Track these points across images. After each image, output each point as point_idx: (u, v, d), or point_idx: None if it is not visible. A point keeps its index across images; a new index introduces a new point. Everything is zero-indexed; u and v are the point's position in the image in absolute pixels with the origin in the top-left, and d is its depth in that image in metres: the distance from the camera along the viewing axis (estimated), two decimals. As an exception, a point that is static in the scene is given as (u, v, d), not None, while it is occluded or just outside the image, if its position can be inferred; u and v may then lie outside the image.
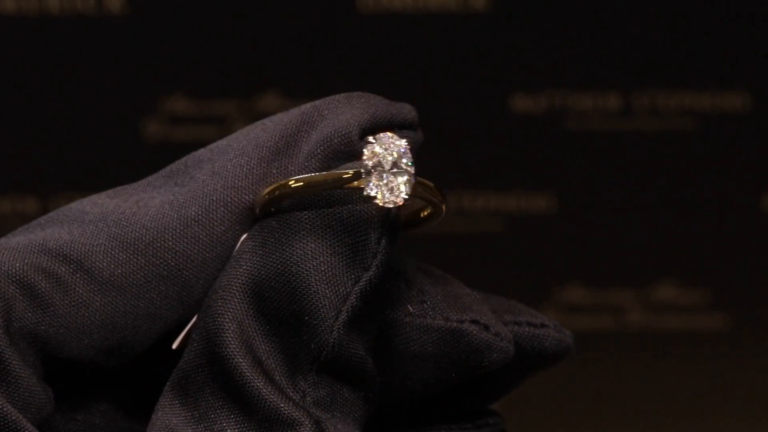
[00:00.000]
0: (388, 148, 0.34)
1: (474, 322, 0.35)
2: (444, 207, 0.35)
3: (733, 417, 1.02)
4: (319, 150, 0.36)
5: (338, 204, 0.34)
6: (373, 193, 0.34)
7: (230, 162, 0.36)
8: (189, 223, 0.35)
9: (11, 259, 0.35)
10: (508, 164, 1.02)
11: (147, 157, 1.01)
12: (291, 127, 0.36)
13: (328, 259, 0.34)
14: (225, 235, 0.35)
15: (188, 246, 0.35)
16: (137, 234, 0.35)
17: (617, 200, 1.03)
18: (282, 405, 0.33)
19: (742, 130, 1.02)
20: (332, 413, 0.34)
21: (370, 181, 0.34)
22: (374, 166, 0.34)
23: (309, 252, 0.34)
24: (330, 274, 0.34)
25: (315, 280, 0.33)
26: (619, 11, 1.01)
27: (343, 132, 0.36)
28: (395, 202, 0.34)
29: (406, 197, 0.34)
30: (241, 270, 0.34)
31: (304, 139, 0.36)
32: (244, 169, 0.36)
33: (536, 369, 0.39)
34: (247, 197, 0.35)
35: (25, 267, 0.35)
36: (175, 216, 0.36)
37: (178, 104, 1.02)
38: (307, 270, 0.34)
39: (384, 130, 0.36)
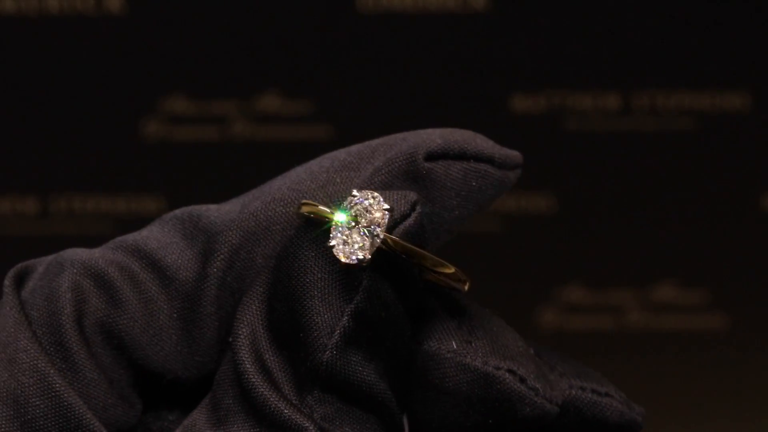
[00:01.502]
0: (363, 208, 0.35)
1: (510, 371, 0.36)
2: (466, 287, 0.36)
3: (733, 417, 1.02)
4: (384, 167, 0.36)
5: None
6: (331, 243, 0.34)
7: (304, 169, 0.37)
8: (248, 217, 0.36)
9: (88, 254, 0.36)
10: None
11: (147, 157, 1.01)
12: (371, 146, 0.37)
13: (326, 278, 0.34)
14: (279, 232, 0.36)
15: (242, 238, 0.36)
16: (204, 231, 0.36)
17: (617, 200, 1.03)
18: (287, 412, 0.33)
19: (742, 130, 1.02)
20: (342, 429, 0.34)
21: (336, 231, 0.34)
22: (339, 219, 0.34)
23: (309, 267, 0.34)
24: (326, 293, 0.34)
25: (310, 296, 0.34)
26: (619, 11, 1.01)
27: (409, 153, 0.36)
28: (350, 259, 0.34)
29: (360, 259, 0.34)
30: (262, 278, 0.35)
31: (379, 157, 0.37)
32: (311, 176, 0.37)
33: None
34: (306, 199, 0.36)
35: (99, 260, 0.36)
36: (239, 210, 0.37)
37: (178, 104, 1.02)
38: (304, 286, 0.34)
39: (456, 159, 0.36)
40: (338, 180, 0.36)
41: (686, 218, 1.03)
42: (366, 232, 0.34)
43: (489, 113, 1.02)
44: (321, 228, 0.34)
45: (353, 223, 0.34)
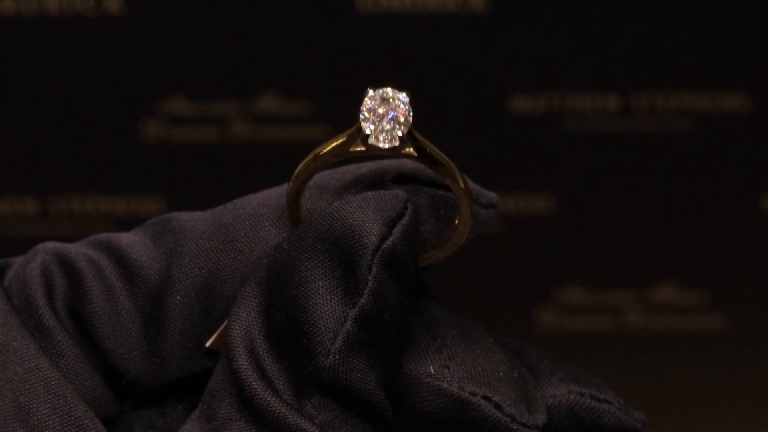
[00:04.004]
0: (388, 102, 0.35)
1: (486, 398, 0.36)
2: (463, 182, 0.36)
3: (733, 417, 1.02)
4: (353, 184, 0.37)
5: (340, 228, 0.35)
6: (367, 132, 0.35)
7: (277, 189, 0.38)
8: (218, 228, 0.37)
9: (62, 245, 0.37)
10: (508, 165, 1.02)
11: (147, 157, 1.01)
12: (350, 168, 0.37)
13: (327, 284, 0.34)
14: (247, 246, 0.36)
15: (211, 247, 0.36)
16: (173, 233, 0.37)
17: (616, 201, 1.03)
18: (291, 418, 0.33)
19: (742, 131, 1.02)
20: None
21: (368, 123, 0.35)
22: (371, 112, 0.35)
23: (310, 276, 0.34)
24: (328, 298, 0.34)
25: (312, 303, 0.34)
26: (619, 12, 1.01)
27: (379, 172, 0.37)
28: (388, 143, 0.35)
29: (397, 144, 0.35)
30: (255, 289, 0.35)
31: (348, 176, 0.37)
32: (282, 191, 0.37)
33: None
34: (276, 215, 0.37)
35: (70, 251, 0.37)
36: (210, 220, 0.37)
37: (177, 105, 1.02)
38: (306, 293, 0.34)
39: (424, 184, 0.37)
40: (307, 195, 0.36)
41: (686, 218, 1.03)
42: (392, 117, 0.35)
43: (489, 113, 1.02)
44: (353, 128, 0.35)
45: (380, 111, 0.35)
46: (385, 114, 0.35)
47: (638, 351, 1.03)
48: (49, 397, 0.34)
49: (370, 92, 0.36)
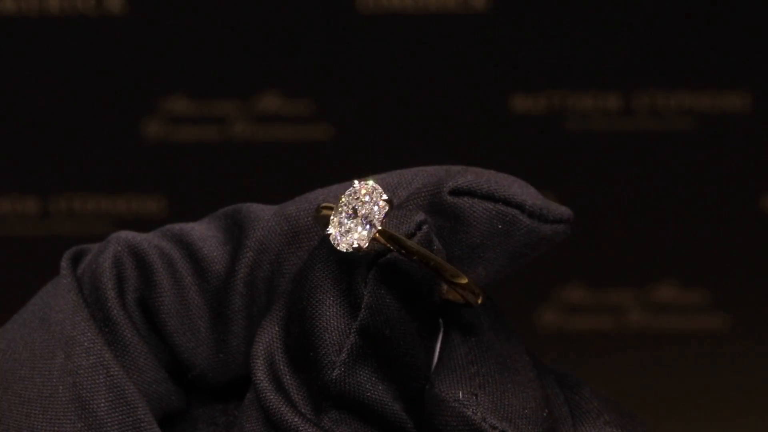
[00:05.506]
0: (363, 198, 0.34)
1: (493, 427, 0.35)
2: (479, 301, 0.35)
3: (733, 417, 1.02)
4: (410, 198, 0.36)
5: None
6: (328, 230, 0.34)
7: (341, 184, 0.37)
8: (281, 219, 0.36)
9: (135, 236, 0.36)
10: (509, 164, 1.02)
11: (147, 157, 1.01)
12: (404, 177, 0.37)
13: (334, 296, 0.34)
14: (307, 239, 0.36)
15: (272, 239, 0.36)
16: (241, 227, 0.37)
17: (617, 200, 1.03)
18: (311, 430, 0.34)
19: (742, 130, 1.02)
20: None
21: (333, 219, 0.35)
22: (341, 207, 0.34)
23: (319, 286, 0.34)
24: (334, 311, 0.34)
25: (320, 314, 0.34)
26: (619, 11, 1.01)
27: (434, 184, 0.36)
28: (347, 247, 0.34)
29: (357, 247, 0.34)
30: (281, 300, 0.35)
31: (405, 187, 0.37)
32: (347, 188, 0.36)
33: None
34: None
35: (143, 243, 0.36)
36: (274, 211, 0.37)
37: (178, 104, 1.02)
38: (315, 305, 0.34)
39: (483, 199, 0.36)
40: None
41: (686, 218, 1.03)
42: (364, 222, 0.34)
43: (489, 113, 1.02)
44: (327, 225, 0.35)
45: (352, 213, 0.34)
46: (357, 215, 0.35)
47: (639, 350, 1.03)
48: (111, 395, 0.34)
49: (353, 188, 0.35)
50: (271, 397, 0.34)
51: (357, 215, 0.34)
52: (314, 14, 1.01)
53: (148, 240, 0.37)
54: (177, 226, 0.37)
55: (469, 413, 0.35)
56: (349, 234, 0.34)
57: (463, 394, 0.35)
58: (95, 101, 1.01)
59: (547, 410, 0.37)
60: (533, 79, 1.01)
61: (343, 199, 0.35)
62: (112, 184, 1.02)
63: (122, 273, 0.36)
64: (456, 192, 0.36)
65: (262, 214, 0.37)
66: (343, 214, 0.34)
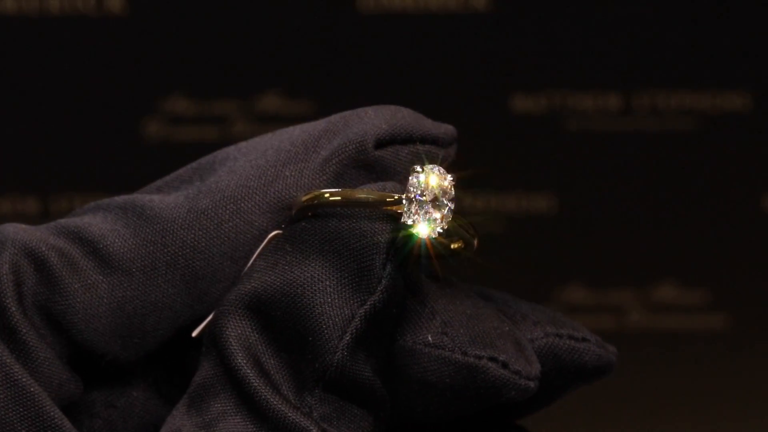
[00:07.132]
0: (433, 181, 0.35)
1: (492, 359, 0.36)
2: (476, 242, 0.36)
3: (733, 417, 1.02)
4: (334, 158, 0.37)
5: (348, 228, 0.35)
6: (409, 222, 0.35)
7: (249, 162, 0.37)
8: (198, 216, 0.36)
9: (29, 235, 0.36)
10: (509, 164, 1.02)
11: (147, 157, 1.01)
12: (314, 134, 0.38)
13: (335, 283, 0.34)
14: (232, 231, 0.36)
15: (195, 237, 0.36)
16: (150, 222, 0.37)
17: (617, 200, 1.03)
18: (290, 414, 0.34)
19: (742, 130, 1.02)
20: (339, 428, 0.34)
21: (410, 210, 0.35)
22: (416, 196, 0.35)
23: (316, 276, 0.35)
24: (335, 297, 0.34)
25: (320, 302, 0.34)
26: (619, 11, 1.01)
27: (358, 141, 0.37)
28: (429, 235, 0.35)
29: (441, 231, 0.35)
30: (248, 287, 0.35)
31: (325, 146, 0.37)
32: (259, 171, 0.37)
33: (576, 383, 0.39)
34: (258, 197, 0.37)
35: (40, 244, 0.36)
36: (187, 207, 0.37)
37: (178, 104, 1.02)
38: (312, 293, 0.34)
39: (403, 143, 0.37)
40: (287, 174, 0.37)
41: (686, 218, 1.03)
42: (439, 203, 0.35)
43: (489, 113, 1.02)
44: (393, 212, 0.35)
45: (425, 198, 0.35)
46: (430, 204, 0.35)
47: (639, 350, 1.03)
48: (9, 391, 0.34)
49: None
50: (252, 379, 0.34)
51: (427, 199, 0.35)
52: (314, 14, 1.01)
53: (44, 240, 0.36)
54: (69, 221, 0.37)
55: (446, 353, 0.35)
56: (429, 222, 0.35)
57: (432, 336, 0.36)
58: (95, 101, 1.01)
59: (506, 324, 0.37)
60: (533, 79, 1.01)
61: (411, 182, 0.35)
62: (112, 184, 1.02)
63: (20, 278, 0.35)
64: (379, 144, 0.37)
65: (173, 212, 0.37)
66: (416, 203, 0.35)
